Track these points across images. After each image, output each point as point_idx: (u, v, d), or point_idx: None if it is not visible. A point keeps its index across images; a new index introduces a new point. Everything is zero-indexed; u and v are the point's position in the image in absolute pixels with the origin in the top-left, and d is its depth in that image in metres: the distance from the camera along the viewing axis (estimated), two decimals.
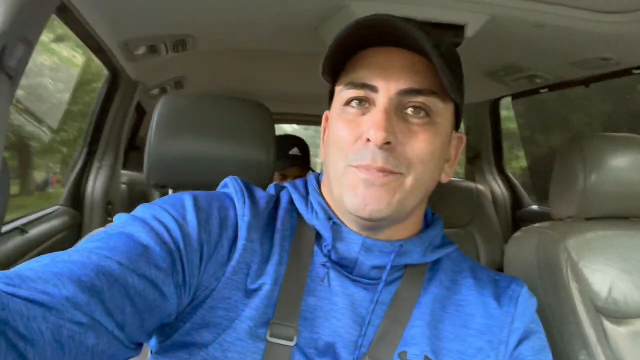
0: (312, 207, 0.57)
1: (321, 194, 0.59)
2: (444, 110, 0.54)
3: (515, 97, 1.92)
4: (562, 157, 1.04)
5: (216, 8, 1.08)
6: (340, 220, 0.55)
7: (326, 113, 0.61)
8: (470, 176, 2.30)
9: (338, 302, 0.53)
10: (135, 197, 2.10)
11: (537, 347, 0.56)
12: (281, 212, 0.58)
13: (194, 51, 1.37)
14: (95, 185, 1.67)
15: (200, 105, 0.87)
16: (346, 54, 0.53)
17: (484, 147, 2.20)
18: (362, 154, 0.50)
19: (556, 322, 0.88)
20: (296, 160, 1.61)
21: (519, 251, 1.00)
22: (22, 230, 1.21)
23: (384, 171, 0.50)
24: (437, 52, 0.48)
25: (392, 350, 0.52)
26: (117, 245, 0.45)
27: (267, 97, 2.08)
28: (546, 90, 1.69)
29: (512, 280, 0.60)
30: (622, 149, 0.98)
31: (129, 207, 1.83)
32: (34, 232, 1.28)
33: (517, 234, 1.03)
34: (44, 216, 1.41)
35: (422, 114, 0.52)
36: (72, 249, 0.45)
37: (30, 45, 0.66)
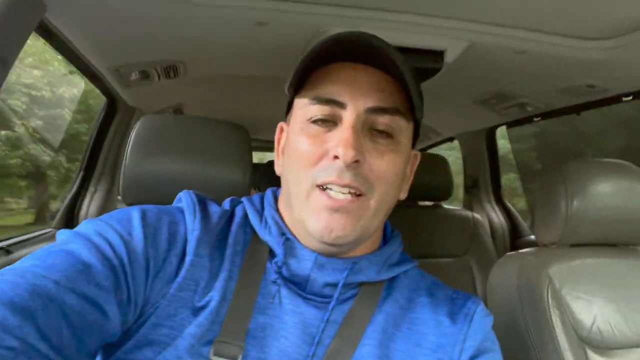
0: (266, 222, 0.56)
1: (277, 209, 0.58)
2: (405, 129, 0.54)
3: (509, 125, 1.92)
4: (545, 182, 1.02)
5: (203, 34, 1.11)
6: (295, 237, 0.54)
7: (281, 124, 0.61)
8: (467, 205, 2.27)
9: (288, 320, 0.52)
10: None
11: None
12: (234, 227, 0.56)
13: (185, 77, 1.40)
14: (89, 208, 1.67)
15: (177, 125, 0.88)
16: (313, 67, 0.53)
17: (481, 176, 2.17)
18: (328, 171, 0.50)
19: (536, 349, 0.84)
20: None
21: (501, 277, 0.97)
22: (6, 250, 1.21)
23: (349, 187, 0.49)
24: (408, 69, 0.49)
25: None
26: (55, 262, 0.43)
27: (264, 125, 2.11)
28: (539, 118, 1.69)
29: (468, 297, 0.58)
30: (604, 174, 0.95)
31: None
32: (20, 253, 1.28)
33: (501, 260, 1.00)
34: (33, 238, 1.41)
35: (387, 132, 0.52)
36: (7, 267, 0.43)
37: (5, 64, 0.69)
